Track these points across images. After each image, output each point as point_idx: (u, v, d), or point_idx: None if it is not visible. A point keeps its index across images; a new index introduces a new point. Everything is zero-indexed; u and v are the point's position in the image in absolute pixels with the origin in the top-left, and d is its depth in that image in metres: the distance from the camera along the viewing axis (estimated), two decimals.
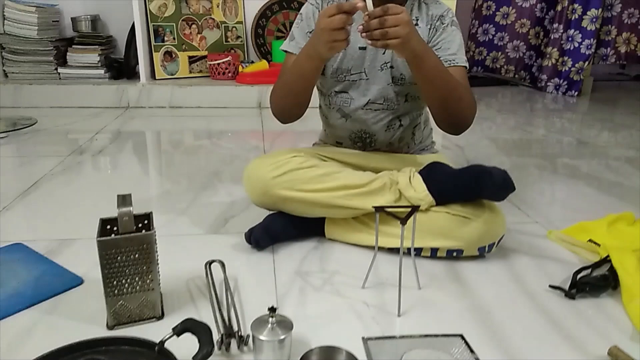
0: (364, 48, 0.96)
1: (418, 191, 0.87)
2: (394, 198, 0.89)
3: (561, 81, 2.74)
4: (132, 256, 0.65)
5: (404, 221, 0.71)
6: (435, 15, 0.96)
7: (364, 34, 0.75)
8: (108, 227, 0.69)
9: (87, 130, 1.78)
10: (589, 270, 0.85)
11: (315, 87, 1.08)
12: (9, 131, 1.69)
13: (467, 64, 0.94)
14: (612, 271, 0.83)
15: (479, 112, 2.40)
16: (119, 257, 0.64)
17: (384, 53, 0.97)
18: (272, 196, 0.90)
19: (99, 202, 1.13)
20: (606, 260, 0.87)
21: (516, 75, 2.99)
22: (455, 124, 0.93)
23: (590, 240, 0.94)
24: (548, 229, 1.03)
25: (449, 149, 1.63)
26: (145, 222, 0.71)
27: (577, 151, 1.68)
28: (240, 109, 2.16)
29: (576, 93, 2.71)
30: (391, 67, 0.97)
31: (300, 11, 1.01)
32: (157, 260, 0.69)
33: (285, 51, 1.02)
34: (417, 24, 0.96)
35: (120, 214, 0.64)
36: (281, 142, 1.77)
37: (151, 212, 0.71)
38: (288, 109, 0.98)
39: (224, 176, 1.33)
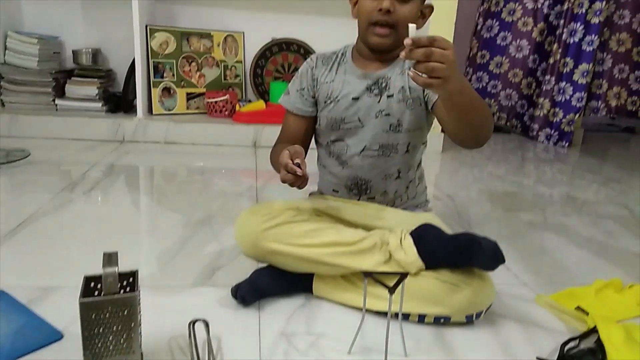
0: (357, 99, 0.99)
1: (408, 254, 0.87)
2: (384, 259, 0.88)
3: (552, 131, 2.78)
4: (114, 317, 0.64)
5: (392, 290, 0.70)
6: None
7: (402, 54, 0.69)
8: (92, 284, 0.68)
9: (80, 163, 1.77)
10: (576, 341, 0.85)
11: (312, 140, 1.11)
12: (2, 164, 1.68)
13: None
14: (600, 344, 0.82)
15: (471, 158, 2.43)
16: (101, 318, 0.63)
17: (379, 101, 0.99)
18: (262, 248, 0.90)
19: (86, 245, 1.11)
20: (594, 330, 0.86)
21: (508, 123, 3.04)
22: (479, 142, 0.90)
23: (578, 308, 0.94)
24: (537, 293, 1.02)
25: (440, 199, 1.64)
26: (131, 279, 0.70)
27: (567, 207, 1.70)
28: (235, 147, 2.17)
29: (567, 144, 2.75)
30: (387, 114, 0.99)
31: (299, 71, 1.07)
32: (140, 320, 0.67)
33: (282, 105, 1.07)
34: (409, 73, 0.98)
35: (104, 275, 0.63)
36: (275, 182, 1.77)
37: (137, 271, 0.70)
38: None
39: (215, 220, 1.32)
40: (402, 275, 0.72)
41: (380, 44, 0.96)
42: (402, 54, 0.69)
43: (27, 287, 0.91)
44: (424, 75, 0.69)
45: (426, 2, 0.99)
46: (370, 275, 0.73)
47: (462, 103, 0.79)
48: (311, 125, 1.08)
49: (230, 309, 0.89)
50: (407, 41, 0.67)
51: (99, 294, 0.68)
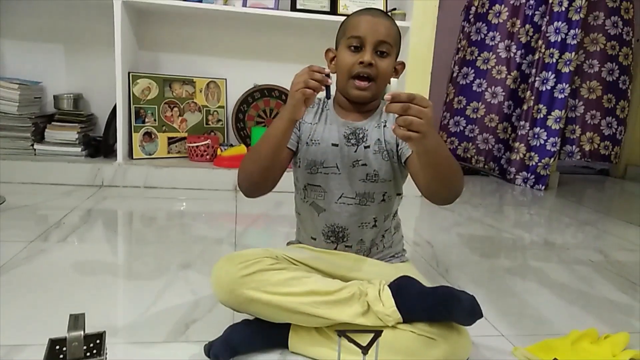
0: (336, 145, 1.01)
1: (386, 306, 0.87)
2: (362, 310, 0.88)
3: (529, 175, 2.85)
4: None
5: (365, 350, 0.69)
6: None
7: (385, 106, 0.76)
8: (57, 347, 0.66)
9: (57, 209, 1.75)
10: None
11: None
12: None
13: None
14: None
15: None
16: None
17: (355, 151, 1.00)
18: (239, 296, 0.88)
19: (57, 299, 1.09)
20: None
21: (486, 166, 3.10)
22: (448, 200, 0.93)
23: None
24: (513, 344, 1.02)
25: (419, 245, 1.65)
26: (97, 341, 0.68)
27: (544, 251, 1.71)
28: (216, 192, 2.17)
29: (543, 187, 2.81)
30: (364, 164, 1.01)
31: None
32: None
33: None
34: (385, 126, 1.02)
35: (69, 339, 0.62)
36: (256, 226, 1.77)
37: (104, 332, 0.68)
38: (256, 175, 0.96)
39: (192, 268, 1.31)
40: (376, 334, 0.72)
41: (360, 97, 0.99)
42: (387, 100, 0.75)
43: None
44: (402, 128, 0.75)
45: (397, 60, 1.03)
46: (344, 334, 0.72)
47: (437, 161, 0.83)
48: (288, 158, 1.04)
49: None
50: (386, 96, 0.75)
51: (64, 358, 0.66)
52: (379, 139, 1.01)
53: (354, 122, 1.03)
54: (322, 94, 0.89)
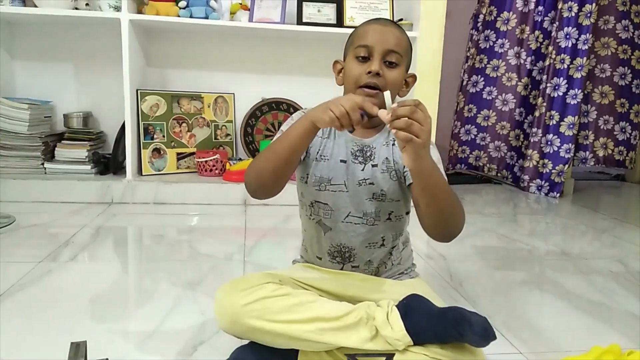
0: (344, 161, 0.98)
1: (395, 330, 0.84)
2: (370, 335, 0.85)
3: (543, 182, 2.79)
4: None
5: None
6: None
7: (388, 116, 0.75)
8: None
9: (67, 227, 1.75)
10: None
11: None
12: None
13: (445, 178, 0.92)
14: None
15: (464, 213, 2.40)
16: None
17: (362, 169, 0.98)
18: (242, 325, 0.86)
19: (65, 319, 1.07)
20: None
21: (499, 174, 3.05)
22: (448, 235, 0.92)
23: None
24: None
25: (432, 259, 1.61)
26: None
27: (560, 262, 1.67)
28: (225, 206, 2.16)
29: (558, 194, 2.75)
30: (371, 183, 0.98)
31: (292, 115, 1.02)
32: None
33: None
34: (393, 144, 0.98)
35: None
36: (265, 240, 1.75)
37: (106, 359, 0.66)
38: (267, 174, 0.91)
39: (200, 287, 1.29)
40: (387, 357, 0.69)
41: None
42: (387, 116, 0.75)
43: None
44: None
45: (409, 72, 1.00)
46: (354, 359, 0.70)
47: (432, 185, 0.84)
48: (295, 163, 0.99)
49: None
50: (393, 105, 0.75)
51: None
52: (387, 158, 0.98)
53: (362, 138, 1.00)
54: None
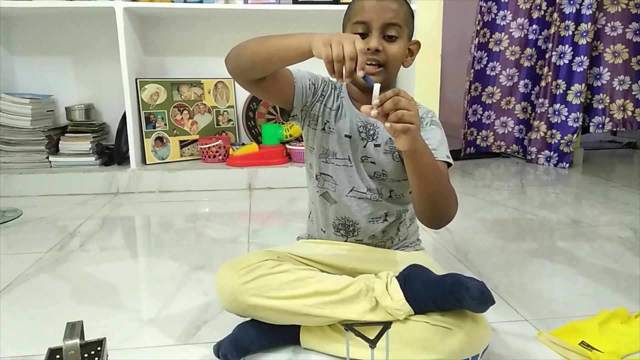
0: (349, 136, 0.97)
1: (395, 300, 0.83)
2: (370, 306, 0.84)
3: (552, 153, 2.75)
4: None
5: (373, 343, 0.66)
6: None
7: (374, 112, 0.72)
8: (57, 357, 0.65)
9: (73, 218, 1.76)
10: None
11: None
12: None
13: (450, 160, 0.93)
14: None
15: (472, 187, 2.39)
16: None
17: (364, 147, 0.96)
18: (242, 303, 0.86)
19: (69, 308, 1.08)
20: None
21: (508, 150, 3.01)
22: (439, 220, 0.90)
23: (582, 343, 0.89)
24: (538, 329, 0.97)
25: (438, 233, 1.60)
26: (99, 348, 0.67)
27: (569, 231, 1.64)
28: (229, 192, 2.16)
29: (567, 165, 2.71)
30: (372, 162, 0.97)
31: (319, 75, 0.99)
32: None
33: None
34: None
35: (65, 348, 0.60)
36: (270, 223, 1.74)
37: (104, 339, 0.67)
38: (245, 56, 0.87)
39: (205, 270, 1.29)
40: (385, 326, 0.68)
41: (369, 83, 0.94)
42: (373, 111, 0.72)
43: (3, 357, 0.88)
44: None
45: (413, 39, 0.97)
46: (351, 328, 0.69)
47: (424, 165, 0.82)
48: (289, 83, 0.95)
49: None
50: (375, 101, 0.72)
51: None
52: (390, 139, 0.96)
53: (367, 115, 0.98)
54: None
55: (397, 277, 0.87)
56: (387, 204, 0.99)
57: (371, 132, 0.97)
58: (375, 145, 0.97)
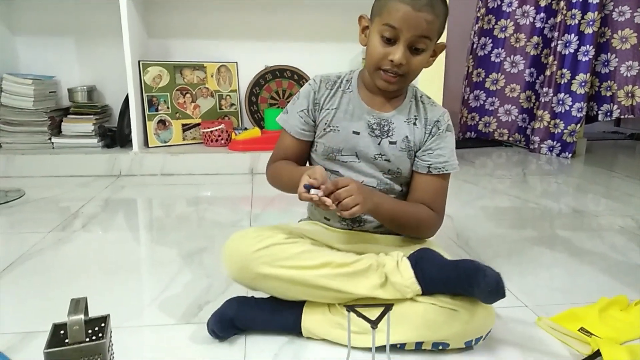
0: (357, 133, 0.95)
1: (405, 277, 0.83)
2: (380, 282, 0.84)
3: (554, 143, 2.74)
4: None
5: (374, 324, 0.67)
6: (432, 119, 0.97)
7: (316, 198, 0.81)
8: (62, 332, 0.66)
9: (75, 199, 1.77)
10: None
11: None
12: None
13: (457, 168, 0.97)
14: None
15: (473, 175, 2.39)
16: None
17: (379, 144, 0.95)
18: (251, 271, 0.85)
19: (72, 287, 1.09)
20: (598, 354, 0.82)
21: (510, 138, 3.00)
22: (419, 238, 1.01)
23: (581, 329, 0.89)
24: (538, 315, 0.98)
25: None
26: (102, 324, 0.67)
27: (570, 220, 1.65)
28: (232, 176, 2.16)
29: (570, 155, 2.71)
30: (387, 160, 0.96)
31: (301, 89, 1.02)
32: None
33: (280, 124, 1.03)
34: (415, 124, 0.96)
35: (70, 323, 0.61)
36: (271, 208, 1.75)
37: (108, 316, 0.67)
38: (279, 188, 1.02)
39: (207, 252, 1.30)
40: (386, 308, 0.69)
41: (385, 88, 0.92)
42: (319, 201, 0.80)
43: (6, 332, 0.89)
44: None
45: (439, 42, 0.92)
46: (353, 309, 0.70)
47: (384, 218, 0.94)
48: (307, 148, 1.02)
49: (214, 348, 0.85)
50: (315, 197, 0.80)
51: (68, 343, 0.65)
52: (407, 137, 0.95)
53: (381, 112, 0.96)
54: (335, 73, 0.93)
55: (408, 257, 0.87)
56: (394, 197, 0.99)
57: (386, 129, 0.95)
58: (391, 143, 0.95)
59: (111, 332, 0.66)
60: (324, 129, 0.97)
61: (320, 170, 0.83)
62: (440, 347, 0.84)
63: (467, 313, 0.82)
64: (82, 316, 0.61)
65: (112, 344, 0.67)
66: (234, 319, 0.87)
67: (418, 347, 0.84)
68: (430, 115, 0.97)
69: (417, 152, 0.97)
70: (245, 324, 0.88)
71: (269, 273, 0.85)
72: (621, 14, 2.60)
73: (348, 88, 0.98)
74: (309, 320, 0.88)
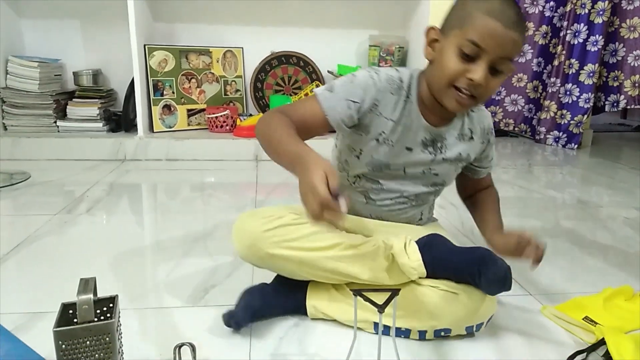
0: (410, 149, 0.91)
1: (412, 259, 0.83)
2: (387, 263, 0.85)
3: (560, 134, 2.73)
4: (92, 346, 0.62)
5: (382, 308, 0.67)
6: (486, 128, 0.97)
7: None
8: (70, 312, 0.66)
9: (80, 183, 1.77)
10: (584, 355, 0.80)
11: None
12: (3, 187, 1.68)
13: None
14: (608, 357, 0.78)
15: None
16: (77, 347, 0.61)
17: (431, 160, 0.93)
18: (260, 250, 0.85)
19: (79, 268, 1.10)
20: (602, 342, 0.82)
21: (516, 128, 2.98)
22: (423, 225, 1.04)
23: (585, 318, 0.90)
24: (542, 303, 0.98)
25: (444, 208, 1.60)
26: (110, 305, 0.68)
27: (575, 211, 1.64)
28: (236, 162, 2.16)
29: (576, 146, 2.69)
30: (435, 174, 0.94)
31: (356, 73, 0.89)
32: (121, 347, 0.65)
33: (316, 96, 0.87)
34: (471, 138, 0.95)
35: (79, 302, 0.61)
36: (276, 195, 1.75)
37: (116, 296, 0.68)
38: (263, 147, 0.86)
39: (211, 236, 1.30)
40: (393, 293, 0.69)
41: (454, 109, 0.84)
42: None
43: (15, 312, 0.89)
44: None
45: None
46: (359, 293, 0.70)
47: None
48: (324, 131, 0.89)
49: (220, 330, 0.86)
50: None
51: (77, 322, 0.65)
52: (460, 154, 0.94)
53: (436, 126, 0.90)
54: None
55: (417, 242, 0.87)
56: (425, 206, 1.01)
57: (439, 145, 0.92)
58: (444, 159, 0.93)
59: (120, 312, 0.67)
60: (376, 139, 0.89)
61: (335, 172, 0.69)
62: (443, 333, 0.84)
63: (467, 297, 0.82)
64: (91, 296, 0.62)
65: (121, 324, 0.68)
66: (259, 309, 0.87)
67: (422, 337, 0.84)
68: (482, 123, 0.96)
69: (471, 162, 0.99)
70: (266, 311, 0.88)
71: (277, 253, 0.84)
72: (630, 2, 2.55)
73: (409, 99, 0.89)
74: (314, 299, 0.89)
